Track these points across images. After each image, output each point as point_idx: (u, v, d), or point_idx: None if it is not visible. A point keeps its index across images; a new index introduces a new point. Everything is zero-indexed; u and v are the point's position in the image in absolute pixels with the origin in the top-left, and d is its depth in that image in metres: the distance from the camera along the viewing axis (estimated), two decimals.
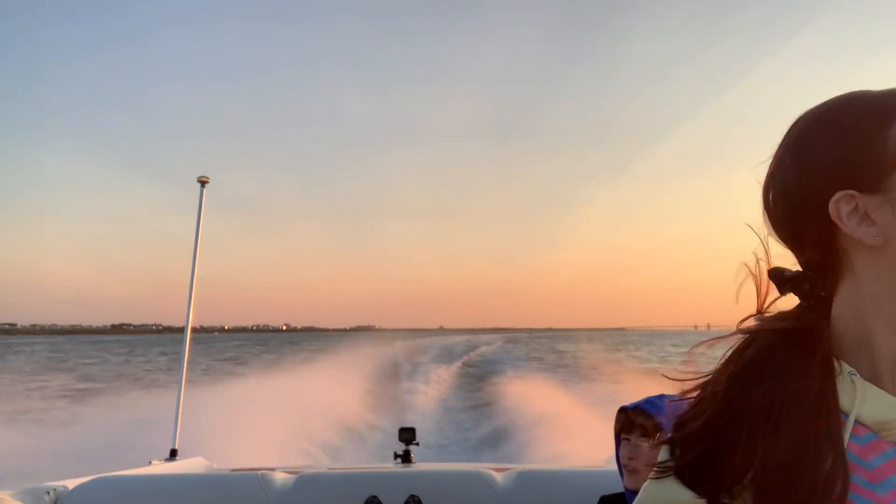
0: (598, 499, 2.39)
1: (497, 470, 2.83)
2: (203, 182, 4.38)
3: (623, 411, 2.19)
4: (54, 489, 2.74)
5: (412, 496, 2.63)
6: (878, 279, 0.75)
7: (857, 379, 0.74)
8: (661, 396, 2.15)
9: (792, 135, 0.81)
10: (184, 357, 4.15)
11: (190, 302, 4.22)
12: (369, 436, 10.45)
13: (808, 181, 0.78)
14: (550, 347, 50.72)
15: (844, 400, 0.73)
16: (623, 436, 2.17)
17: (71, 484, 2.80)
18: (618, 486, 2.29)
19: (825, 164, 0.77)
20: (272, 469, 2.99)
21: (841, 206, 0.75)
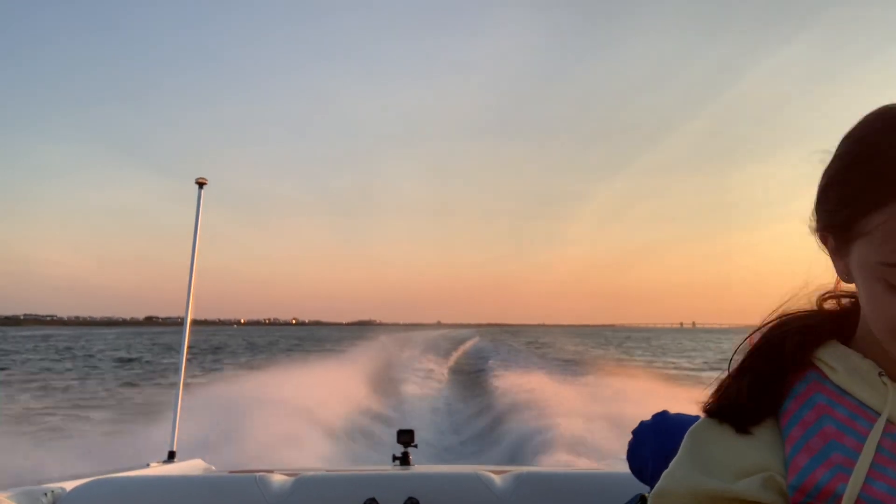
0: (597, 500, 2.14)
1: (496, 472, 2.55)
2: (201, 183, 3.93)
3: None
4: (52, 491, 2.46)
5: (410, 498, 2.37)
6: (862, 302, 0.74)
7: (888, 380, 0.70)
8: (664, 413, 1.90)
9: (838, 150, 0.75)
10: (182, 359, 3.79)
11: (188, 303, 3.86)
12: (367, 438, 9.84)
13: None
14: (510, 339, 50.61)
15: (876, 399, 0.69)
16: None
17: (69, 486, 2.53)
18: (618, 490, 2.04)
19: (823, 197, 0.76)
20: (270, 471, 2.70)
21: (827, 238, 0.75)
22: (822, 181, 0.76)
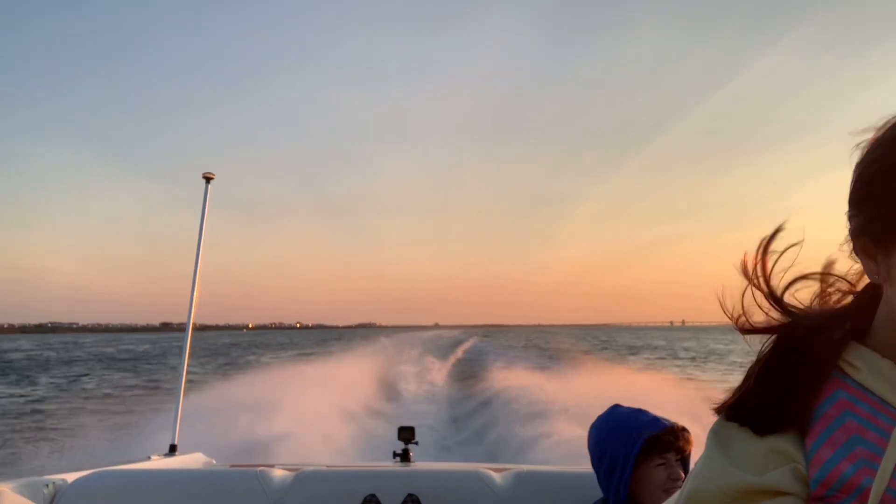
0: (595, 498, 1.99)
1: (496, 470, 2.44)
2: (208, 178, 3.80)
3: (652, 434, 1.79)
4: (53, 482, 2.35)
5: (410, 495, 2.26)
6: (886, 303, 0.70)
7: None
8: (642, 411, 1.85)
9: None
10: (184, 352, 3.63)
11: (192, 296, 3.70)
12: (368, 434, 9.51)
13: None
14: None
15: None
16: (660, 462, 1.79)
17: (70, 477, 2.41)
18: None
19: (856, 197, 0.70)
20: (271, 466, 2.58)
21: (860, 236, 0.70)
22: (859, 174, 0.68)
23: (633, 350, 44.00)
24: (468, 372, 20.53)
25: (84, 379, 23.83)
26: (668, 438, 1.77)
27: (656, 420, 1.81)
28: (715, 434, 0.70)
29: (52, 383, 22.08)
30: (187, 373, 3.61)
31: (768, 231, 0.67)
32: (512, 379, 15.08)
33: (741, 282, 0.71)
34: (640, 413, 1.85)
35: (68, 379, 24.37)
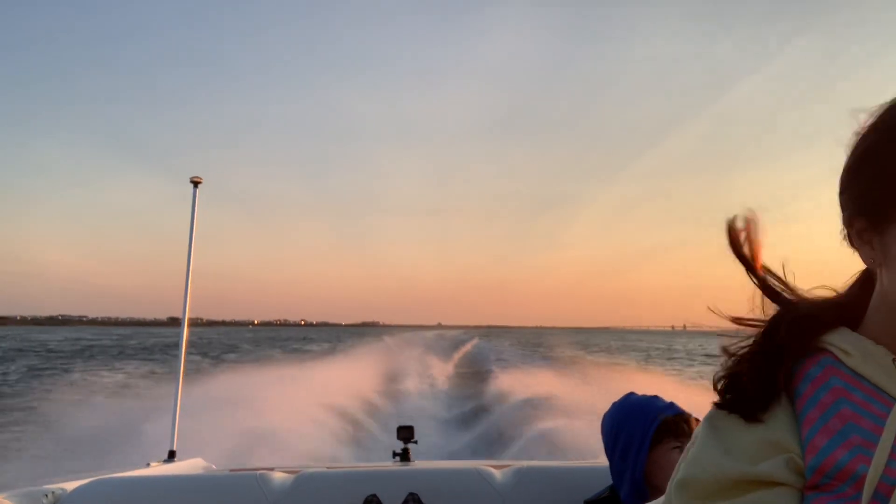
0: (598, 490, 1.97)
1: (496, 467, 2.42)
2: (196, 182, 3.75)
3: (668, 417, 1.79)
4: (52, 491, 2.30)
5: (411, 494, 2.23)
6: (880, 288, 0.70)
7: None
8: (657, 398, 1.86)
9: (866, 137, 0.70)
10: (180, 357, 3.59)
11: (185, 302, 3.65)
12: (368, 434, 9.43)
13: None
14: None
15: (891, 384, 0.66)
16: (676, 445, 1.77)
17: (69, 486, 2.36)
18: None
19: (860, 180, 0.70)
20: (271, 469, 2.56)
21: (854, 222, 0.71)
22: (850, 161, 0.69)
23: (634, 351, 43.96)
24: (470, 371, 20.51)
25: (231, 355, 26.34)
26: (683, 424, 1.77)
27: (672, 405, 1.81)
28: (708, 421, 0.70)
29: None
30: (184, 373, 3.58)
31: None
32: (513, 378, 15.04)
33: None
34: (655, 398, 1.85)
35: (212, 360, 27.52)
